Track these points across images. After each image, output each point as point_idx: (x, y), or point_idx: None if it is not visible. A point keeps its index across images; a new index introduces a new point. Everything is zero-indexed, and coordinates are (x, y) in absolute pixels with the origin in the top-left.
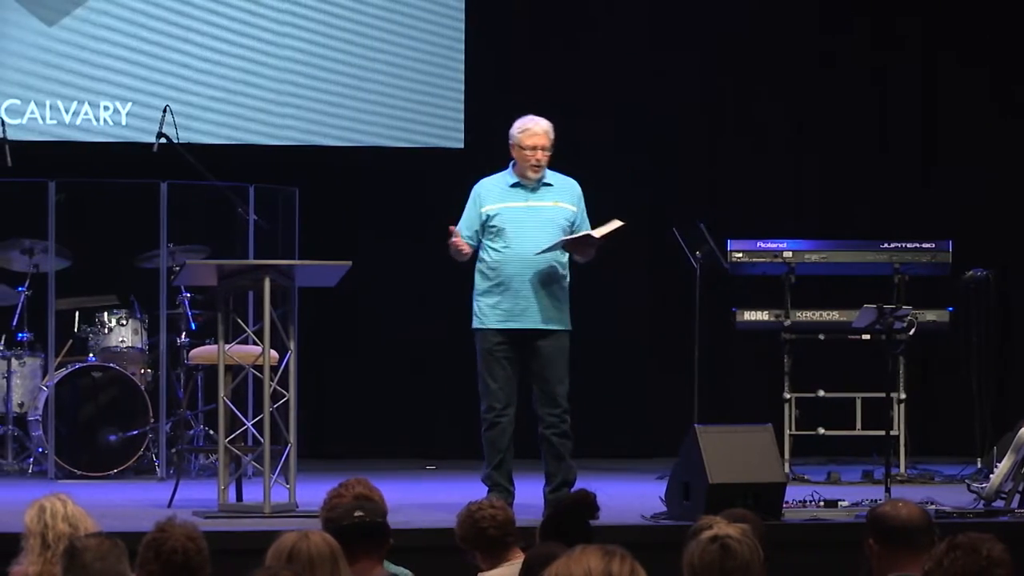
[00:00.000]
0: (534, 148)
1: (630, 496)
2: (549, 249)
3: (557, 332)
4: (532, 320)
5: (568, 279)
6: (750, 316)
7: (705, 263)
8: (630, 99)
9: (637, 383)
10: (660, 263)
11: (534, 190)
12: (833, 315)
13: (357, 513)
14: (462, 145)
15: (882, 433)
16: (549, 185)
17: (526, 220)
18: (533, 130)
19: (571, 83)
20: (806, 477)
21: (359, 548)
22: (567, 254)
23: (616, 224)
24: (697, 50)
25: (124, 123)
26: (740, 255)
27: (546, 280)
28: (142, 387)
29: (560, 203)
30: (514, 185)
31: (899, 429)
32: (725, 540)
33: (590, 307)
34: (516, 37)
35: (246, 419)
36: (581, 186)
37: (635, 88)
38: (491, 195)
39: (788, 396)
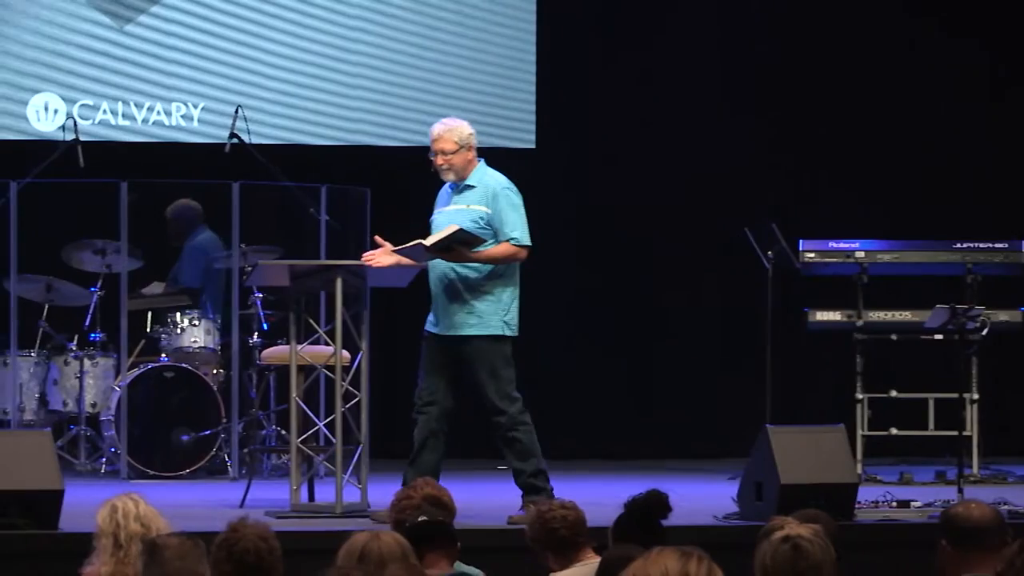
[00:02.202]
0: (434, 154)
1: (702, 497)
2: (401, 252)
3: (473, 338)
4: (443, 326)
5: (495, 283)
6: (822, 316)
7: (777, 263)
8: (699, 98)
9: (709, 384)
10: (732, 264)
11: (460, 192)
12: (905, 315)
13: (421, 517)
14: (534, 145)
15: (955, 433)
16: (471, 187)
17: (443, 225)
18: (431, 136)
19: (642, 82)
20: (878, 477)
21: (424, 550)
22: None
23: (451, 229)
24: (767, 49)
25: (196, 124)
26: (812, 255)
27: (452, 287)
28: (214, 387)
29: (472, 205)
30: (451, 189)
31: (972, 429)
32: (797, 540)
33: (661, 309)
34: (587, 36)
35: (318, 419)
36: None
37: (704, 87)
38: (439, 201)
39: (860, 396)
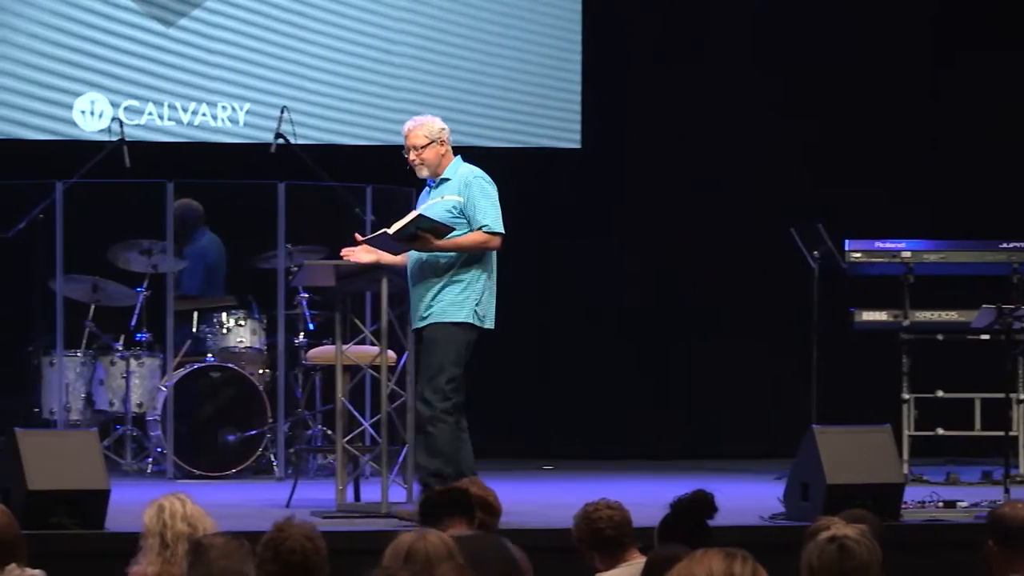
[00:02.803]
0: (406, 151)
1: (748, 497)
2: (370, 243)
3: (438, 323)
4: (416, 319)
5: (467, 271)
6: (868, 316)
7: (823, 263)
8: (745, 97)
9: (755, 384)
10: (777, 264)
11: (437, 187)
12: (952, 315)
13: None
14: (579, 145)
15: (1001, 433)
16: (447, 180)
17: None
18: (403, 133)
19: (687, 81)
20: (925, 478)
21: (443, 515)
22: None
23: (412, 216)
24: (814, 48)
25: (241, 124)
26: (858, 255)
27: (424, 276)
28: (260, 387)
29: (445, 196)
30: (430, 186)
31: (1019, 429)
32: (843, 541)
33: (707, 309)
34: (633, 35)
35: (364, 419)
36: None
37: (751, 86)
38: (420, 199)
39: (907, 396)
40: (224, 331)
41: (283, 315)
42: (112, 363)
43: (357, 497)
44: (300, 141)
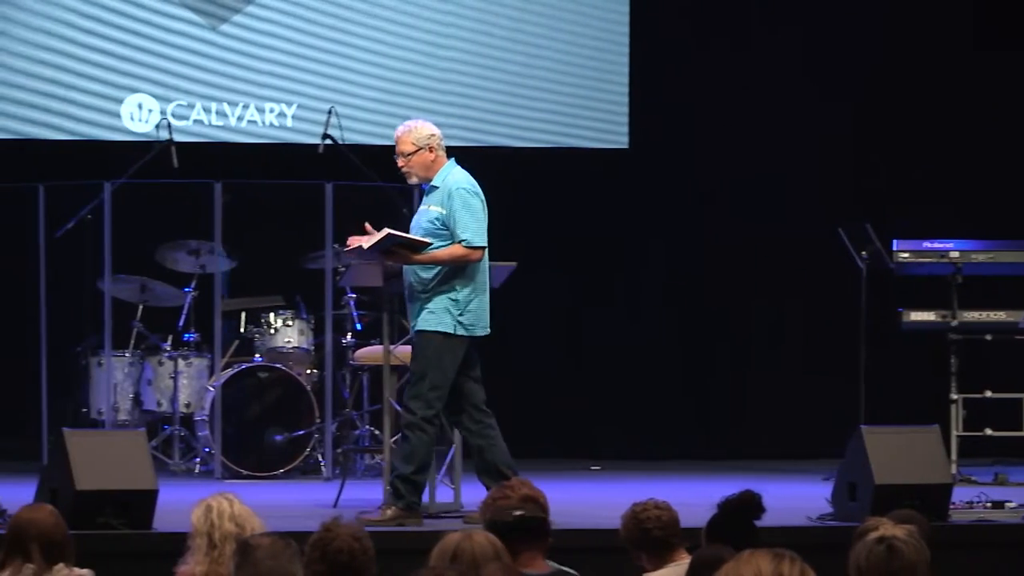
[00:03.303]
0: (396, 157)
1: (796, 497)
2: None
3: (423, 332)
4: (412, 328)
5: (452, 282)
6: (916, 316)
7: (871, 263)
8: (793, 97)
9: (802, 384)
10: (825, 264)
11: (428, 193)
12: (1000, 315)
13: (517, 512)
14: (626, 145)
15: None
16: (436, 187)
17: (414, 226)
18: (395, 139)
19: (735, 80)
20: (973, 478)
21: (520, 545)
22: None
23: (382, 234)
24: (862, 48)
25: (289, 124)
26: (906, 255)
27: (412, 288)
28: (308, 387)
29: (432, 206)
30: (424, 189)
31: None
32: (891, 541)
33: (755, 309)
34: (680, 35)
35: None
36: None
37: (799, 86)
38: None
39: (955, 397)
40: (272, 331)
41: (331, 315)
42: (160, 363)
43: None
44: (347, 141)
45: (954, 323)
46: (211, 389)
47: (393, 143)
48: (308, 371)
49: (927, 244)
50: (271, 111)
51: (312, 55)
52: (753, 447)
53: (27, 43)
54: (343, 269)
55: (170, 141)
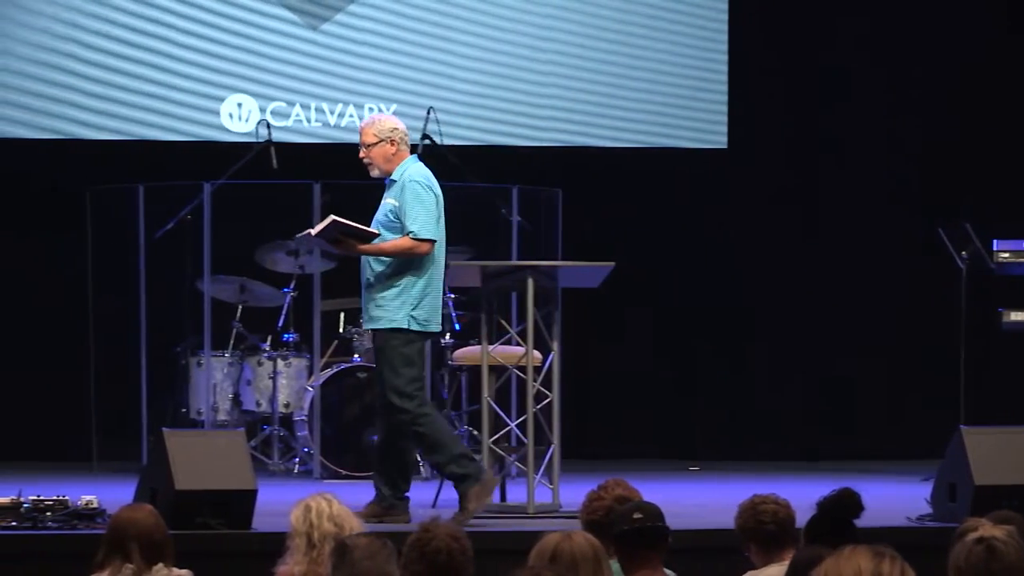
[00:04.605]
0: (359, 148)
1: (895, 497)
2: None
3: (379, 331)
4: (365, 320)
5: (403, 275)
6: (1016, 316)
7: (971, 263)
8: (894, 95)
9: (902, 385)
10: (925, 264)
11: (388, 188)
12: None
13: (636, 516)
14: (726, 145)
15: None
16: (394, 182)
17: (373, 221)
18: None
19: (834, 79)
20: None
21: (639, 553)
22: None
23: (327, 221)
24: (964, 46)
25: None
26: (1006, 255)
27: (367, 279)
28: None
29: (388, 199)
30: (386, 182)
31: None
32: (991, 542)
33: (855, 309)
34: (779, 35)
35: (510, 420)
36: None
37: (900, 84)
38: None
39: None
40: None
41: None
42: (259, 363)
43: (503, 497)
44: (446, 141)
45: None
46: (310, 389)
47: (491, 144)
48: None
49: None
50: (370, 111)
51: (412, 55)
52: (853, 447)
53: (128, 44)
54: None
55: (269, 141)
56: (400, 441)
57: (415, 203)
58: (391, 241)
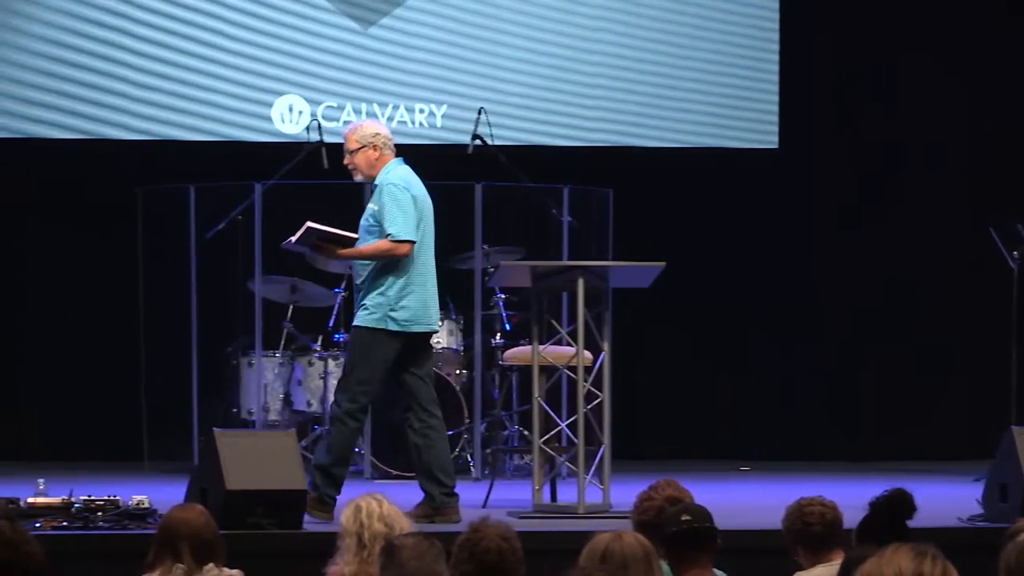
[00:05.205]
0: (344, 154)
1: (946, 498)
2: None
3: (356, 327)
4: None
5: (383, 277)
6: None
7: (1022, 263)
8: (944, 95)
9: (953, 385)
10: (976, 263)
11: (371, 192)
12: None
13: (685, 517)
14: (776, 145)
15: None
16: (376, 186)
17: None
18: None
19: (885, 78)
20: None
21: (689, 554)
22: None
23: (304, 228)
24: (1013, 46)
25: (439, 125)
26: None
27: (356, 285)
28: (457, 388)
29: (370, 204)
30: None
31: None
32: None
33: (906, 309)
34: (830, 34)
35: (560, 420)
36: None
37: (950, 83)
38: None
39: None
40: None
41: (480, 316)
42: (310, 364)
43: (553, 497)
44: (497, 142)
45: None
46: None
47: (542, 144)
48: (457, 371)
49: None
50: (421, 112)
51: (462, 55)
52: (903, 448)
53: (180, 45)
54: (492, 270)
55: (320, 142)
56: (428, 438)
57: (392, 205)
58: (370, 244)
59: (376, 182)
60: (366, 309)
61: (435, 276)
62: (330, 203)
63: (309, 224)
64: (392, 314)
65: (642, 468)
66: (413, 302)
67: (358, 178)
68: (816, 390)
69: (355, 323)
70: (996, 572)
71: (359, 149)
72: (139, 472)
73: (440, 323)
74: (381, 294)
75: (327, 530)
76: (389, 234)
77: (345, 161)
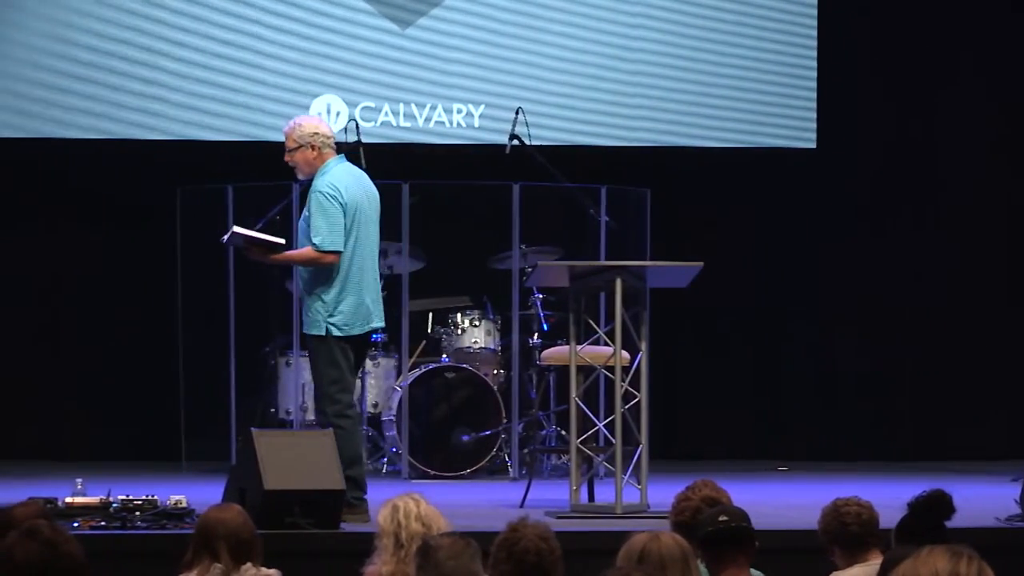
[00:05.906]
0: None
1: (984, 498)
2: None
3: (306, 336)
4: None
5: (320, 284)
6: None
7: None
8: (981, 95)
9: (993, 383)
10: (1020, 263)
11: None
12: None
13: (722, 518)
14: (814, 145)
15: None
16: (311, 190)
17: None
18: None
19: (923, 79)
20: None
21: (725, 554)
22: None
23: (231, 230)
24: None
25: (476, 125)
26: None
27: (300, 286)
28: (495, 388)
29: (305, 208)
30: None
31: None
32: None
33: (945, 307)
34: (869, 33)
35: (598, 420)
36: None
37: (986, 82)
38: None
39: None
40: (459, 332)
41: (517, 315)
42: None
43: (591, 497)
44: (535, 142)
45: None
46: (398, 389)
47: (580, 144)
48: (495, 371)
49: None
50: (459, 112)
51: (500, 56)
52: (944, 447)
53: (219, 45)
54: (530, 270)
55: (358, 142)
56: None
57: (318, 214)
58: (296, 251)
59: (312, 185)
60: (309, 317)
61: (376, 272)
62: None
63: (234, 228)
64: (331, 320)
65: (679, 468)
66: (348, 306)
67: (300, 176)
68: (855, 390)
69: (305, 331)
70: None
71: (297, 148)
72: (177, 472)
73: (478, 323)
74: (320, 300)
75: (364, 530)
76: (314, 244)
77: (286, 158)
